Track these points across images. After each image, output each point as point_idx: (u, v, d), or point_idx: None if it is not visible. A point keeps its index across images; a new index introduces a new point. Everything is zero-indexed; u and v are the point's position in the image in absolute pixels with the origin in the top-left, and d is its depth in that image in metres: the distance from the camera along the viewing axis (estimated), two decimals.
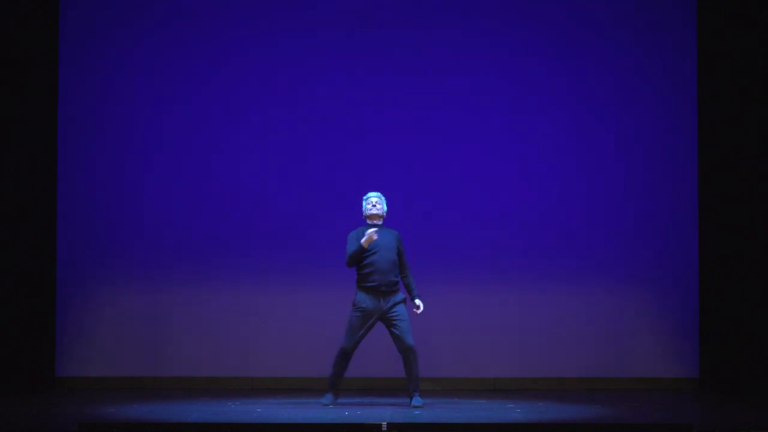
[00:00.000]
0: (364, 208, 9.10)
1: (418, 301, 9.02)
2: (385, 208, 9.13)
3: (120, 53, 10.81)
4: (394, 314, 8.85)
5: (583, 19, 10.89)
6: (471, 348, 10.73)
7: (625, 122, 10.88)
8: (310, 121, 10.83)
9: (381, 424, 7.42)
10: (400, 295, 8.95)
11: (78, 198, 10.73)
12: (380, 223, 9.07)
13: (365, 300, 8.86)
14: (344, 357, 8.93)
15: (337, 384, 9.00)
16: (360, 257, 8.87)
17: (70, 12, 10.78)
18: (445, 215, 10.79)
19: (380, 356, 10.37)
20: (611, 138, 10.87)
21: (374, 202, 9.06)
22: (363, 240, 8.79)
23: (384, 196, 9.15)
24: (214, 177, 10.80)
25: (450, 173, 10.83)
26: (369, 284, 8.85)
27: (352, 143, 10.84)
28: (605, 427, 7.64)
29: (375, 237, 8.77)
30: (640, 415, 8.40)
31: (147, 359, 10.71)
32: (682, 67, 10.87)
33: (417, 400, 8.87)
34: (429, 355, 10.62)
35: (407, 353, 8.84)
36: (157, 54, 10.83)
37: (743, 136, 10.38)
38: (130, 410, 8.56)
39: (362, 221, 9.13)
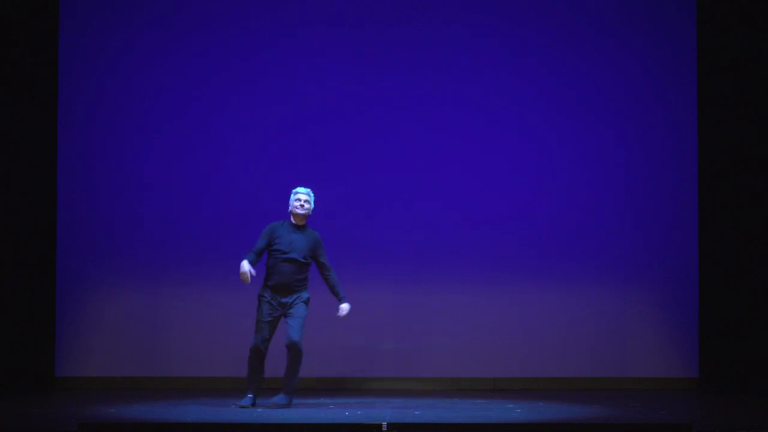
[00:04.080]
0: (291, 203, 8.87)
1: (343, 306, 8.86)
2: (312, 206, 8.93)
3: (120, 53, 10.81)
4: (291, 309, 8.73)
5: (583, 19, 10.89)
6: (471, 348, 10.71)
7: (625, 122, 10.87)
8: (311, 122, 10.82)
9: (381, 424, 7.42)
10: (304, 294, 8.81)
11: (78, 198, 10.73)
12: (303, 224, 8.87)
13: (266, 294, 8.79)
14: (254, 355, 8.77)
15: (255, 382, 8.78)
16: (261, 253, 8.77)
17: (69, 12, 10.78)
18: (445, 215, 10.78)
19: (380, 357, 10.37)
20: (611, 138, 10.87)
21: (303, 201, 8.84)
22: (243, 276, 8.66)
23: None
24: (214, 176, 10.80)
25: (450, 173, 10.82)
26: (270, 282, 8.77)
27: (352, 144, 10.82)
28: (605, 427, 7.64)
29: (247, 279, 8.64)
30: (640, 415, 8.39)
31: (147, 359, 10.70)
32: (682, 67, 10.87)
33: (280, 398, 8.75)
34: (428, 355, 10.62)
35: (290, 349, 8.67)
36: (158, 54, 10.82)
37: (743, 136, 10.38)
38: (130, 410, 8.55)
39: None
